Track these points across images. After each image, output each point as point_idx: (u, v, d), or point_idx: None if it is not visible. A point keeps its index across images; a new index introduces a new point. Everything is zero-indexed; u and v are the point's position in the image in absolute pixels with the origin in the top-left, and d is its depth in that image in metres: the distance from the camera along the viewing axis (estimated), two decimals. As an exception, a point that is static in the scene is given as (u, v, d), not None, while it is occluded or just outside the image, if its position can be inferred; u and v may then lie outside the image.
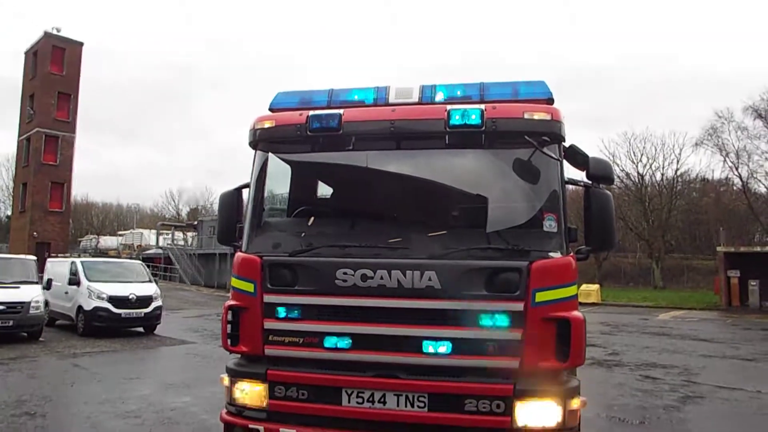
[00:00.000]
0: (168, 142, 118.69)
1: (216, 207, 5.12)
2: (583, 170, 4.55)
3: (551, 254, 4.03)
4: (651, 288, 47.02)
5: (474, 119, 4.14)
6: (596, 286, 36.14)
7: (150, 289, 16.28)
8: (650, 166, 51.89)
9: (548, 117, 4.20)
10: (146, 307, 15.68)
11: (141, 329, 16.09)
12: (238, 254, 4.51)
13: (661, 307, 31.87)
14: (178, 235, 50.61)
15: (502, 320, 3.92)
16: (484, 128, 4.15)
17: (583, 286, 33.37)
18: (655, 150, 51.45)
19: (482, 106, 4.22)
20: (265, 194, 4.76)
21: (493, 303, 3.93)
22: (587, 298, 32.23)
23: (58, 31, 43.37)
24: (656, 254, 49.50)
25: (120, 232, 67.21)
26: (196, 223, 49.06)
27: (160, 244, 48.90)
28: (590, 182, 4.41)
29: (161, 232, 50.74)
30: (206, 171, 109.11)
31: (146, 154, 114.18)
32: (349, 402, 4.07)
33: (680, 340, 17.24)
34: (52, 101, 42.15)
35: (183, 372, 10.68)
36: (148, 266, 20.08)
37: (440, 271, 3.96)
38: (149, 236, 56.49)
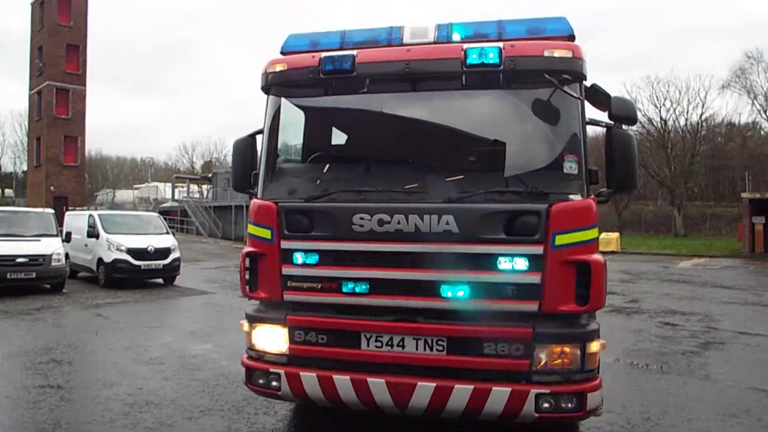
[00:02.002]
0: (180, 95, 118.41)
1: (230, 158, 5.05)
2: (604, 110, 4.39)
3: (571, 196, 3.94)
4: (672, 236, 46.45)
5: (492, 58, 3.98)
6: (616, 235, 35.86)
7: (168, 240, 16.48)
8: (674, 111, 50.60)
9: (569, 54, 4.02)
10: (165, 258, 15.92)
11: (161, 280, 16.42)
12: (254, 201, 4.47)
13: (682, 254, 31.75)
14: (194, 187, 50.85)
15: (521, 264, 3.87)
16: (502, 67, 3.99)
17: (603, 235, 33.14)
18: (680, 94, 50.05)
19: (500, 44, 4.05)
20: (279, 140, 4.65)
21: (511, 246, 3.87)
22: (607, 247, 32.02)
23: (61, -21, 42.53)
24: (678, 202, 48.70)
25: (135, 186, 67.77)
26: (210, 175, 49.18)
27: (176, 197, 49.24)
28: (612, 122, 4.25)
29: (176, 185, 51.01)
30: (221, 124, 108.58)
31: (158, 108, 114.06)
32: (368, 346, 4.09)
33: (701, 287, 17.15)
34: (61, 53, 41.68)
35: (203, 321, 10.89)
36: (165, 219, 20.26)
37: (458, 215, 3.89)
38: (164, 189, 56.86)
